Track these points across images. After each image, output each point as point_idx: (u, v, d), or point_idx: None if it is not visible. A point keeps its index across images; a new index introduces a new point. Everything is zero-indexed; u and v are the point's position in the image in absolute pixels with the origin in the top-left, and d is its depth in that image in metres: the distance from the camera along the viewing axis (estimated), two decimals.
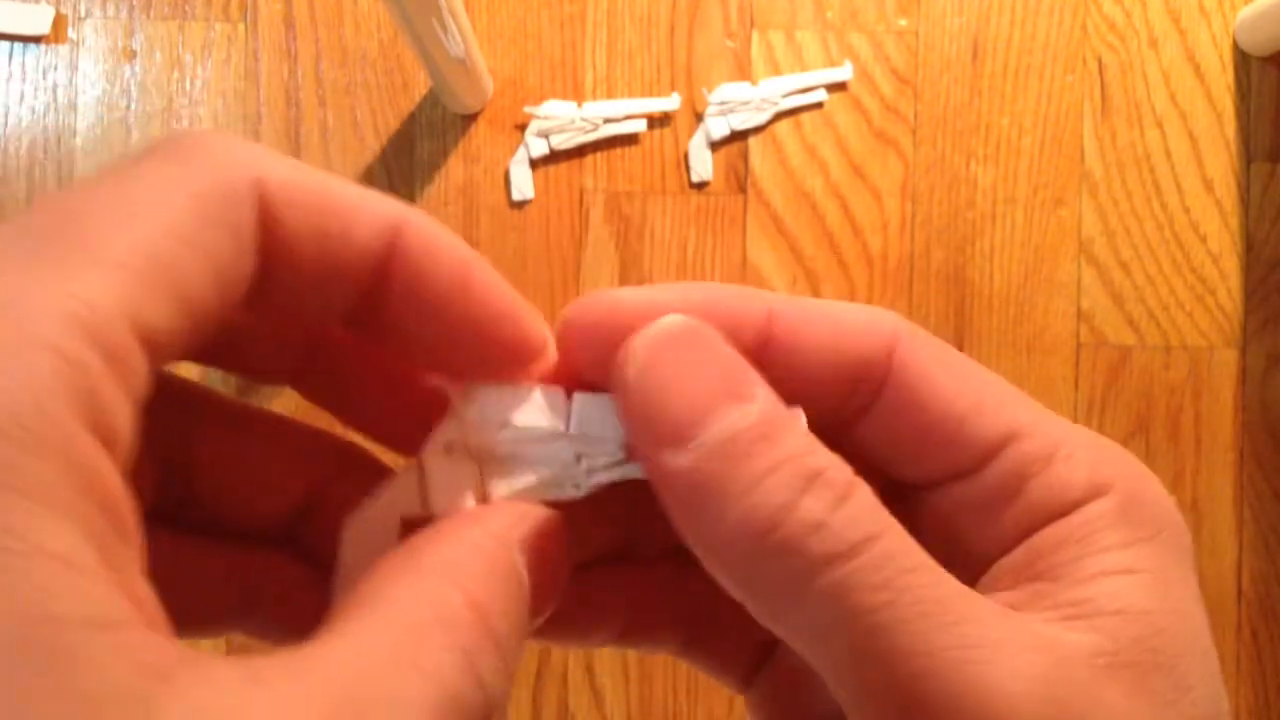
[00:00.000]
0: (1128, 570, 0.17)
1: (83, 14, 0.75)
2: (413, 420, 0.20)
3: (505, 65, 0.74)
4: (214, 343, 0.19)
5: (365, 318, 0.18)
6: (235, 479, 0.20)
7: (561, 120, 0.72)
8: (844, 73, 0.73)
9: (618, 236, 0.73)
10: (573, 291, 0.73)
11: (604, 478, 0.19)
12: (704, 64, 0.73)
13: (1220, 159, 0.73)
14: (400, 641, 0.14)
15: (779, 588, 0.16)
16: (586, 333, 0.18)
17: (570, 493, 0.19)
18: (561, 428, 0.19)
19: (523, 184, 0.73)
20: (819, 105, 0.73)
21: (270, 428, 0.20)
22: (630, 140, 0.73)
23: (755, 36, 0.74)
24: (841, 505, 0.16)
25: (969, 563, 0.19)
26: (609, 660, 0.71)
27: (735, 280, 0.72)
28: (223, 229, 0.15)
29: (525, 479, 0.19)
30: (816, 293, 0.72)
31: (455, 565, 0.16)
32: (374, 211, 0.17)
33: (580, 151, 0.73)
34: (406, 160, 0.73)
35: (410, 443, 0.19)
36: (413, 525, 0.18)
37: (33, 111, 0.75)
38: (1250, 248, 0.72)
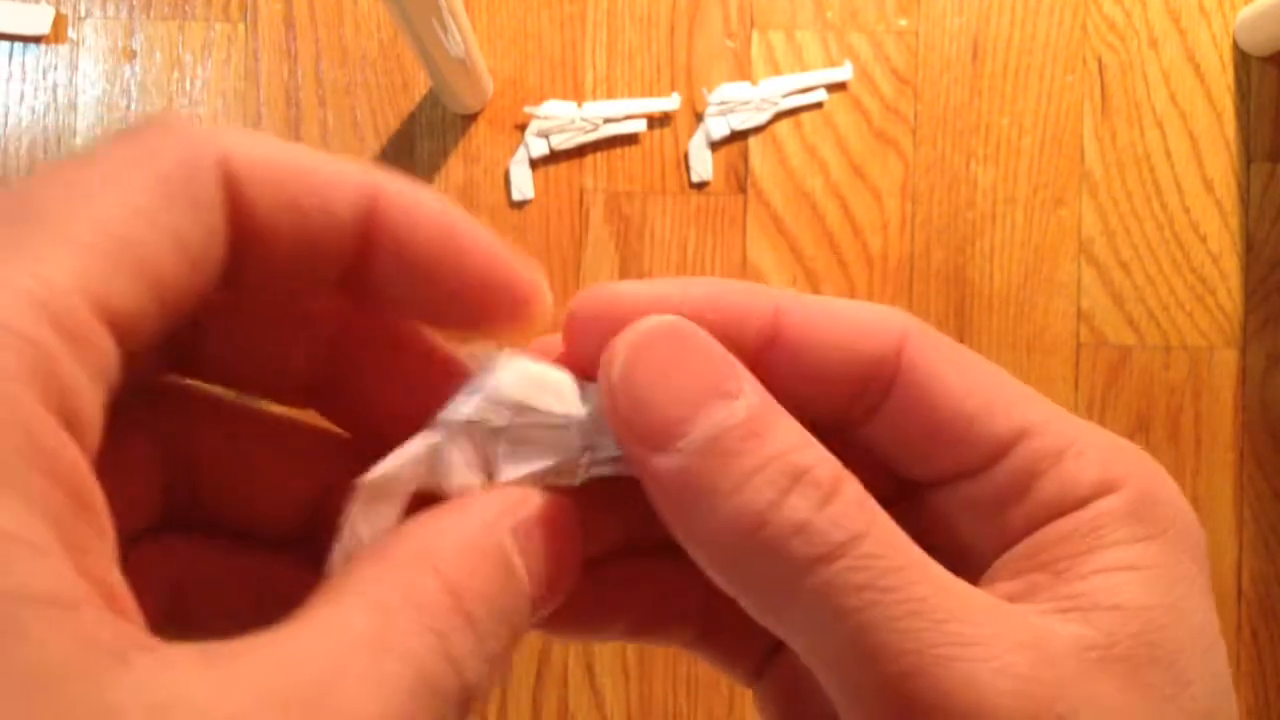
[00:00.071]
0: (1131, 566, 0.17)
1: (83, 14, 0.75)
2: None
3: (505, 65, 0.74)
4: (225, 360, 0.19)
5: (353, 286, 0.18)
6: (242, 481, 0.20)
7: (561, 120, 0.72)
8: (844, 73, 0.73)
9: (618, 236, 0.73)
10: (573, 291, 0.72)
11: (606, 470, 0.19)
12: (704, 64, 0.73)
13: (1220, 159, 0.73)
14: (367, 624, 0.14)
15: (768, 587, 0.16)
16: (593, 325, 0.18)
17: (566, 480, 0.19)
18: (578, 416, 0.19)
19: (523, 184, 0.73)
20: (819, 105, 0.73)
21: (275, 429, 0.20)
22: (630, 140, 0.73)
23: (755, 36, 0.74)
24: (827, 504, 0.16)
25: (977, 559, 0.18)
26: (609, 660, 0.71)
27: None
28: (186, 206, 0.15)
29: (534, 463, 0.18)
30: (816, 293, 0.72)
31: (434, 551, 0.15)
32: (347, 180, 0.17)
33: (580, 151, 0.73)
34: (406, 160, 0.73)
35: None
36: (420, 500, 0.18)
37: (33, 111, 0.75)
38: (1250, 248, 0.72)
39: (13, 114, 0.75)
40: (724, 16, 0.74)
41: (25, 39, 0.75)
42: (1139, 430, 0.72)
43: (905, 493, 0.20)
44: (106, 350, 0.14)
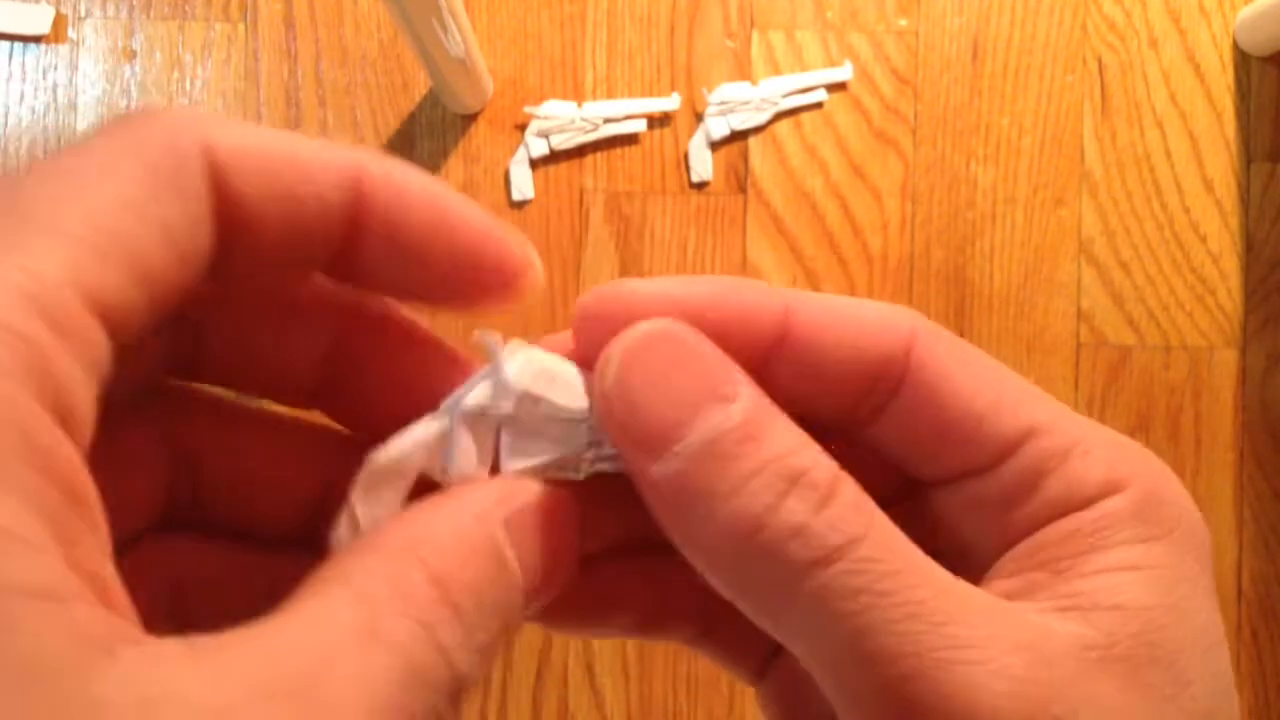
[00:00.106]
0: (1133, 566, 0.17)
1: (83, 14, 0.75)
2: None
3: (505, 65, 0.74)
4: (228, 362, 0.19)
5: (343, 269, 0.18)
6: (243, 481, 0.20)
7: (561, 120, 0.72)
8: (844, 73, 0.73)
9: (618, 236, 0.73)
10: (573, 291, 0.73)
11: (610, 466, 0.19)
12: (704, 64, 0.73)
13: (1220, 159, 0.73)
14: (354, 615, 0.14)
15: (766, 591, 0.16)
16: (602, 323, 0.18)
17: (570, 475, 0.19)
18: (584, 410, 0.18)
19: (523, 184, 0.73)
20: (819, 105, 0.73)
21: (276, 428, 0.20)
22: (630, 140, 0.73)
23: (755, 36, 0.74)
24: (824, 506, 0.16)
25: (980, 557, 0.18)
26: (609, 660, 0.71)
27: None
28: (173, 197, 0.15)
29: (538, 456, 0.18)
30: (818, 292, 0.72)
31: (422, 543, 0.15)
32: (332, 163, 0.16)
33: (580, 151, 0.73)
34: (406, 160, 0.73)
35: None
36: (422, 487, 0.18)
37: (33, 111, 0.75)
38: (1250, 248, 0.72)
39: (13, 114, 0.75)
40: (724, 16, 0.74)
41: (25, 39, 0.75)
42: (1139, 430, 0.72)
43: (910, 491, 0.20)
44: (98, 343, 0.14)
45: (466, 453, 0.18)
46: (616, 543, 0.21)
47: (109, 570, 0.13)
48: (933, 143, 0.73)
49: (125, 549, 0.19)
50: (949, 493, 0.19)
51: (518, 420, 0.18)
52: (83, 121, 0.75)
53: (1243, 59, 0.73)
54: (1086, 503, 0.17)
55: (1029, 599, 0.17)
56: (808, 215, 0.73)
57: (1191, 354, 0.72)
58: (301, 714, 0.12)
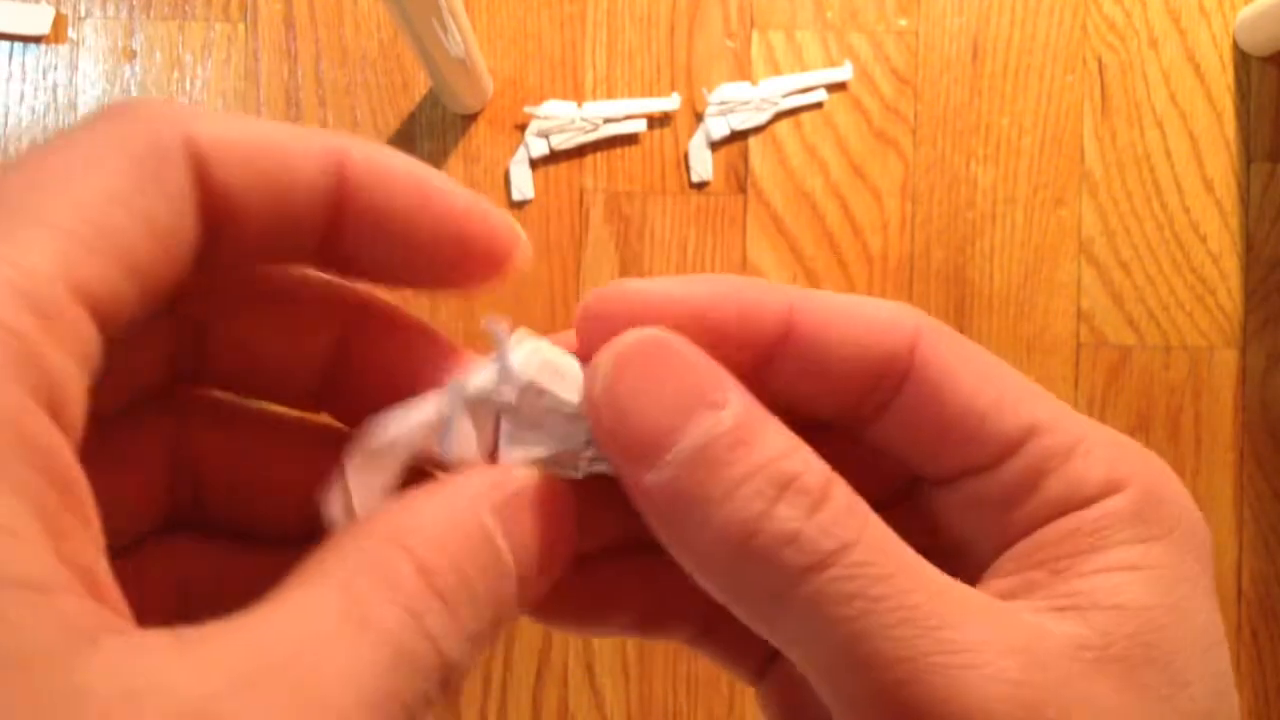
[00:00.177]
0: (1132, 567, 0.17)
1: (83, 14, 0.75)
2: None
3: (505, 65, 0.74)
4: (233, 367, 0.19)
5: (331, 255, 0.18)
6: (246, 482, 0.20)
7: (561, 120, 0.72)
8: (844, 73, 0.73)
9: (618, 236, 0.73)
10: (573, 291, 0.73)
11: (604, 468, 0.19)
12: (704, 64, 0.73)
13: (1220, 159, 0.73)
14: (340, 604, 0.14)
15: (760, 597, 0.16)
16: (605, 322, 0.18)
17: (567, 472, 0.19)
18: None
19: (523, 184, 0.73)
20: (819, 105, 0.73)
21: (279, 429, 0.20)
22: (630, 140, 0.73)
23: (755, 36, 0.74)
24: (816, 511, 0.16)
25: (980, 556, 0.18)
26: (609, 660, 0.71)
27: None
28: (157, 189, 0.15)
29: (536, 448, 0.18)
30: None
31: (408, 532, 0.15)
32: (313, 149, 0.17)
33: (580, 151, 0.73)
34: None
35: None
36: (419, 470, 0.18)
37: (33, 111, 0.75)
38: (1250, 248, 0.72)
39: (13, 114, 0.75)
40: (724, 16, 0.74)
41: (25, 39, 0.75)
42: (1139, 430, 0.72)
43: (909, 490, 0.20)
44: (88, 336, 0.14)
45: (465, 438, 0.18)
46: (615, 542, 0.21)
47: (100, 564, 0.13)
48: (933, 143, 0.73)
49: (130, 551, 0.19)
50: (949, 491, 0.19)
51: (519, 410, 0.18)
52: None
53: (1243, 59, 0.73)
54: (1087, 502, 0.17)
55: (1026, 598, 0.17)
56: (808, 215, 0.73)
57: (1191, 354, 0.72)
58: (288, 701, 0.12)
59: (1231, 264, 0.72)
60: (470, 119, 0.73)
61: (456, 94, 0.70)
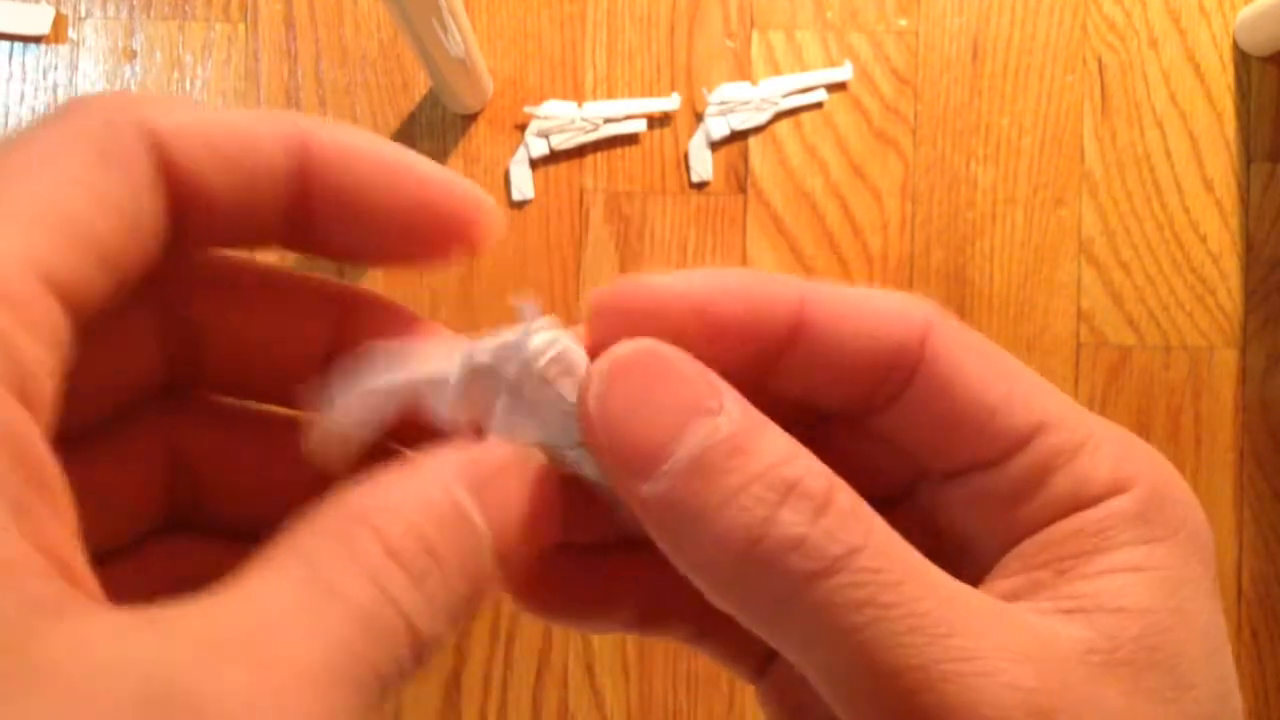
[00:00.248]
0: (1136, 568, 0.16)
1: (83, 14, 0.75)
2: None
3: (505, 65, 0.74)
4: (230, 372, 0.19)
5: (301, 237, 0.18)
6: (243, 480, 0.20)
7: (561, 120, 0.72)
8: (844, 73, 0.73)
9: (618, 236, 0.73)
10: (573, 292, 0.73)
11: (587, 471, 0.19)
12: (704, 64, 0.73)
13: (1220, 159, 0.73)
14: (305, 577, 0.14)
15: (765, 605, 0.16)
16: (616, 317, 0.18)
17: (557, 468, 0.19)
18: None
19: (523, 184, 0.73)
20: (819, 105, 0.73)
21: (275, 428, 0.20)
22: (630, 140, 0.73)
23: (755, 36, 0.74)
24: (821, 516, 0.16)
25: (984, 554, 0.18)
26: (609, 660, 0.71)
27: None
28: (117, 172, 0.15)
29: (525, 437, 0.18)
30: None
31: (371, 507, 0.15)
32: (274, 131, 0.17)
33: (580, 151, 0.73)
34: None
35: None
36: (403, 428, 0.17)
37: (33, 111, 0.75)
38: (1250, 248, 0.72)
39: (13, 114, 0.75)
40: (724, 16, 0.74)
41: (25, 39, 0.75)
42: (1139, 430, 0.72)
43: (909, 491, 0.20)
44: (58, 322, 0.14)
45: (459, 403, 0.18)
46: (614, 537, 0.21)
47: (72, 549, 0.14)
48: (933, 143, 0.73)
49: (130, 552, 0.19)
50: (954, 486, 0.19)
51: (519, 393, 0.18)
52: None
53: (1243, 59, 0.73)
54: (1092, 501, 0.17)
55: (1031, 599, 0.17)
56: (808, 215, 0.73)
57: (1191, 354, 0.72)
58: (253, 669, 0.12)
59: (1231, 264, 0.72)
60: (470, 119, 0.73)
61: (456, 94, 0.70)
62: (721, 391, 0.17)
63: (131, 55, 0.75)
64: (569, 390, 0.18)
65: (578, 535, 0.20)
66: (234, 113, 0.17)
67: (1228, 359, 0.72)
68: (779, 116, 0.73)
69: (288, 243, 0.18)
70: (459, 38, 0.60)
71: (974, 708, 0.15)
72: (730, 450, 0.16)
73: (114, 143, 0.15)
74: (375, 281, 0.72)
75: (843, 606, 0.15)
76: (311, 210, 0.17)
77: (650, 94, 0.73)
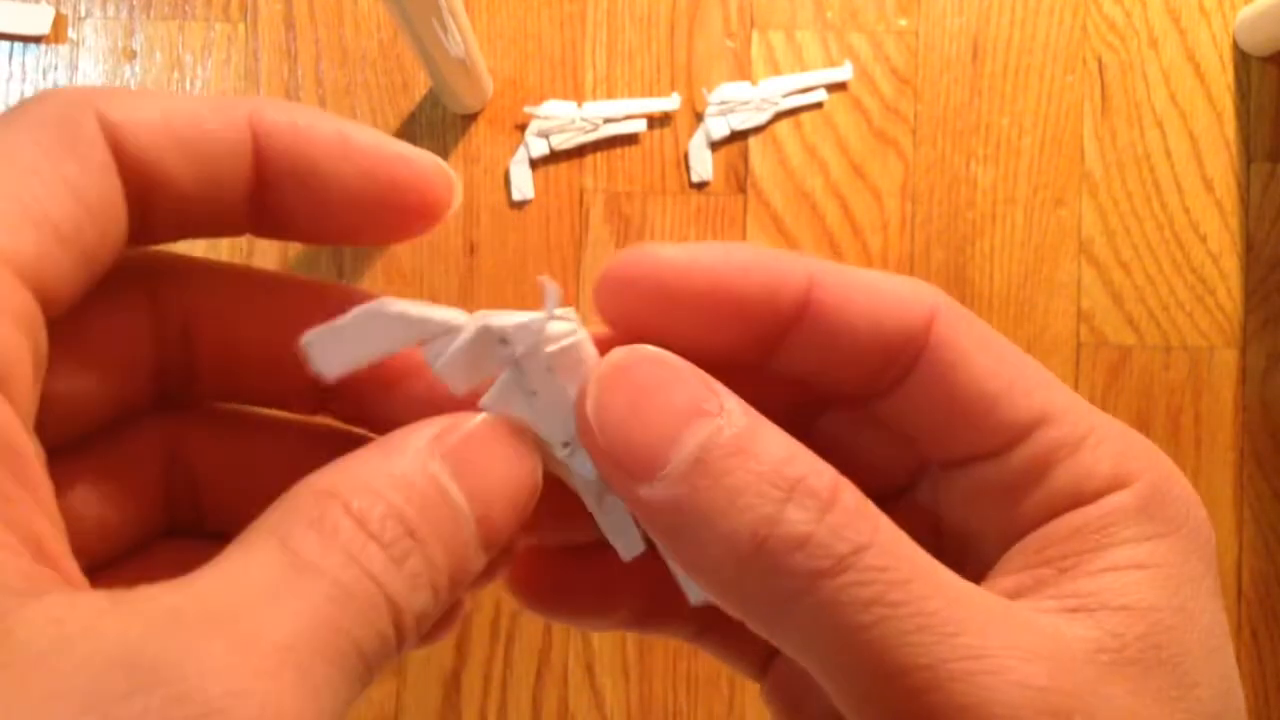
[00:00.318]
0: (1139, 565, 0.16)
1: (83, 14, 0.75)
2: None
3: (505, 65, 0.74)
4: (230, 379, 0.19)
5: (268, 218, 0.18)
6: (242, 484, 0.20)
7: (561, 120, 0.72)
8: (844, 73, 0.73)
9: (618, 236, 0.73)
10: (572, 292, 0.73)
11: (566, 475, 0.19)
12: (704, 64, 0.73)
13: (1220, 159, 0.73)
14: (278, 555, 0.14)
15: (770, 604, 0.16)
16: (624, 286, 0.18)
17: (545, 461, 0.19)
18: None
19: (523, 184, 0.73)
20: (819, 105, 0.73)
21: (270, 429, 0.20)
22: (630, 140, 0.73)
23: (755, 36, 0.74)
24: (827, 514, 0.16)
25: (985, 548, 0.18)
26: (609, 660, 0.71)
27: None
28: (76, 162, 0.15)
29: (516, 417, 0.18)
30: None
31: (343, 484, 0.15)
32: (231, 115, 0.17)
33: (580, 151, 0.73)
34: None
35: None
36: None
37: None
38: (1250, 248, 0.72)
39: None
40: (724, 16, 0.74)
41: (25, 39, 0.75)
42: (1139, 430, 0.72)
43: (915, 483, 0.20)
44: (28, 308, 0.14)
45: (459, 361, 0.18)
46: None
47: (50, 533, 0.14)
48: (933, 143, 0.73)
49: (130, 558, 0.19)
50: (955, 477, 0.19)
51: (521, 373, 0.18)
52: None
53: (1243, 59, 0.73)
54: (1093, 496, 0.17)
55: (1034, 597, 0.17)
56: (808, 215, 0.73)
57: (1191, 354, 0.72)
58: (231, 644, 0.12)
59: (1231, 264, 0.72)
60: (470, 119, 0.73)
61: (456, 94, 0.70)
62: (720, 393, 0.17)
63: (131, 55, 0.75)
64: (572, 385, 0.18)
65: (578, 534, 0.20)
66: (192, 99, 0.17)
67: (1228, 359, 0.72)
68: (779, 116, 0.73)
69: (255, 228, 0.18)
70: (459, 38, 0.60)
71: (984, 706, 0.15)
72: (732, 450, 0.16)
73: (71, 132, 0.15)
74: (375, 282, 0.72)
75: (849, 605, 0.15)
76: (272, 191, 0.17)
77: (650, 94, 0.73)
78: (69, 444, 0.17)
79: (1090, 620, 0.16)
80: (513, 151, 0.73)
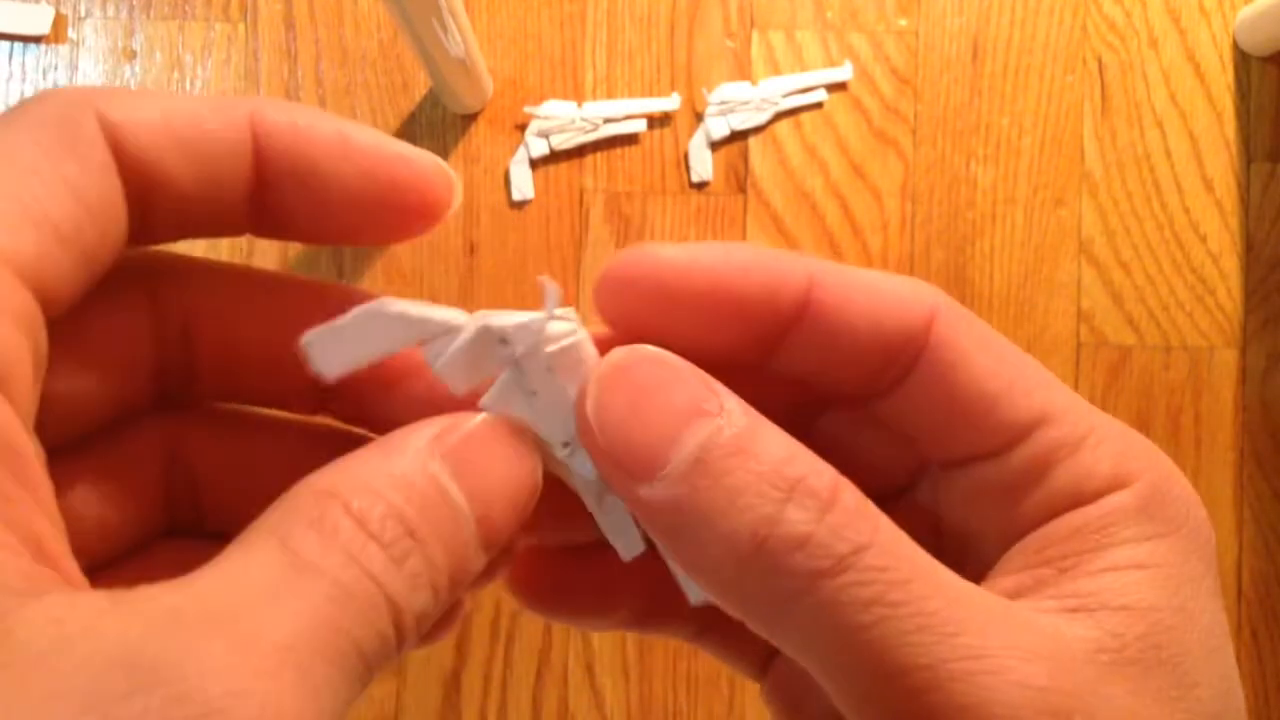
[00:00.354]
0: (1139, 565, 0.16)
1: (83, 14, 0.75)
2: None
3: (505, 65, 0.74)
4: (231, 380, 0.19)
5: (267, 218, 0.18)
6: (242, 484, 0.20)
7: (561, 120, 0.72)
8: (844, 73, 0.73)
9: (618, 236, 0.73)
10: (572, 292, 0.73)
11: (565, 475, 0.19)
12: (704, 64, 0.73)
13: (1220, 159, 0.73)
14: (278, 555, 0.14)
15: (770, 604, 0.16)
16: (624, 286, 0.18)
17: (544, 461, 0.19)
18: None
19: (523, 184, 0.73)
20: (819, 105, 0.73)
21: (270, 429, 0.20)
22: (630, 140, 0.73)
23: (755, 36, 0.74)
24: (827, 513, 0.16)
25: (985, 548, 0.18)
26: (609, 660, 0.71)
27: None
28: (75, 162, 0.15)
29: (516, 417, 0.18)
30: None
31: (343, 484, 0.15)
32: (231, 115, 0.17)
33: (580, 151, 0.73)
34: None
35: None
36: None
37: None
38: (1250, 248, 0.72)
39: None
40: (724, 16, 0.74)
41: (25, 39, 0.75)
42: (1139, 430, 0.72)
43: (915, 483, 0.20)
44: (28, 307, 0.14)
45: (458, 361, 0.18)
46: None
47: (46, 528, 0.14)
48: (933, 143, 0.73)
49: (131, 558, 0.19)
50: (956, 477, 0.19)
51: (521, 373, 0.18)
52: None
53: (1243, 59, 0.73)
54: (1093, 496, 0.17)
55: (1034, 597, 0.17)
56: (808, 215, 0.73)
57: (1191, 354, 0.72)
58: (230, 644, 0.12)
59: (1231, 264, 0.72)
60: (470, 119, 0.73)
61: (456, 94, 0.70)
62: (720, 393, 0.17)
63: (131, 55, 0.75)
64: (572, 385, 0.18)
65: (578, 534, 0.20)
66: (192, 99, 0.17)
67: (1228, 359, 0.72)
68: (779, 116, 0.73)
69: (255, 228, 0.18)
70: (459, 38, 0.60)
71: (984, 706, 0.15)
72: (732, 450, 0.16)
73: (70, 132, 0.15)
74: (375, 282, 0.72)
75: (850, 605, 0.15)
76: (272, 190, 0.17)
77: (650, 94, 0.73)
78: (69, 444, 0.17)
79: (1090, 620, 0.16)
80: (513, 151, 0.73)
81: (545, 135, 0.72)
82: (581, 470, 0.18)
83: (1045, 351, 0.72)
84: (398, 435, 0.16)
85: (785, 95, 0.73)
